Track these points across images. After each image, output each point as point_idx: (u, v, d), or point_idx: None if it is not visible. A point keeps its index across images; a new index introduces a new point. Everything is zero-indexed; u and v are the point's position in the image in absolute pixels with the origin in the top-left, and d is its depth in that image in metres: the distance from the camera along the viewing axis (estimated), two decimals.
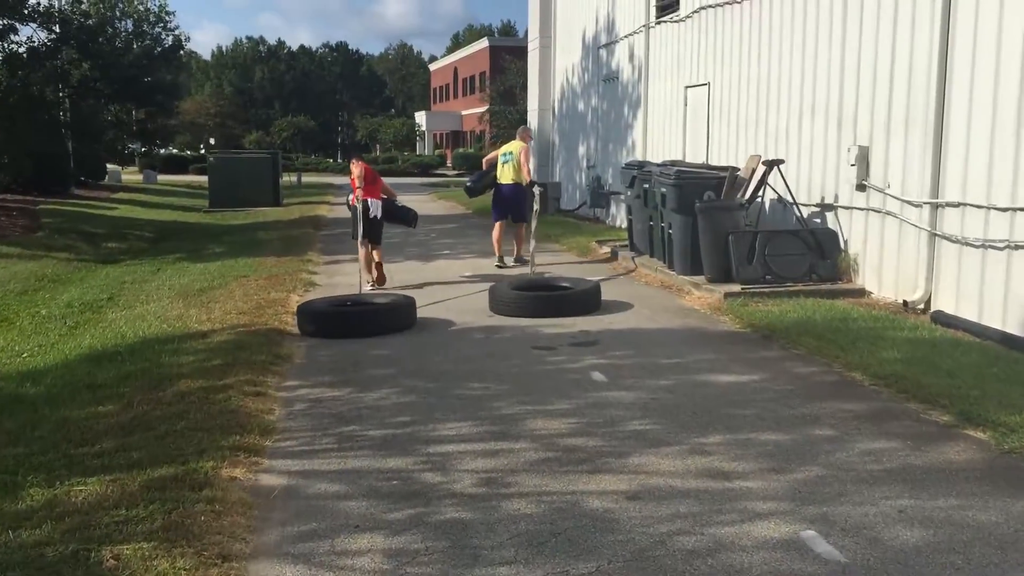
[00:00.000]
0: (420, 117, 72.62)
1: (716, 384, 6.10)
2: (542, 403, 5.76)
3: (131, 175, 43.58)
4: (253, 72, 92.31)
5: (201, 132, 65.00)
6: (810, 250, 9.25)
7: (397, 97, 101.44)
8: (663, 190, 10.09)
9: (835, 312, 7.95)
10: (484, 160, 13.01)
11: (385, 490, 4.38)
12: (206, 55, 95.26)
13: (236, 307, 9.44)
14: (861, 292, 8.92)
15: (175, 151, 62.86)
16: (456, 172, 52.94)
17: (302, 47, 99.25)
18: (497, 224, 12.42)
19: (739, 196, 9.66)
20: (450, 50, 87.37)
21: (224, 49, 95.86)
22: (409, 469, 4.67)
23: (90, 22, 19.53)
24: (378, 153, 64.79)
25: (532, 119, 23.47)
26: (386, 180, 12.02)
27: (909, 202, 8.33)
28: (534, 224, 11.37)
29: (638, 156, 15.71)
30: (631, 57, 16.19)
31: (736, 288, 8.98)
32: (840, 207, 9.45)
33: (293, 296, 10.19)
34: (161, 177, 44.13)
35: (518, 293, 8.90)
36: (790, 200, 9.74)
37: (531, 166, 12.75)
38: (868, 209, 8.96)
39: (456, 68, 70.68)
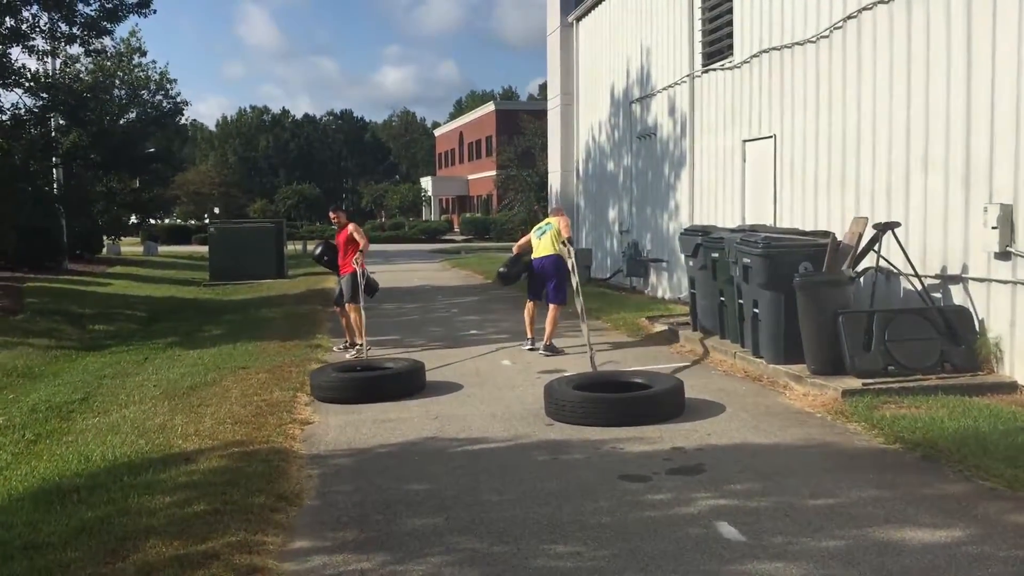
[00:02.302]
0: (426, 182, 71.65)
1: (909, 547, 4.26)
2: None
3: (131, 247, 42.32)
4: (258, 141, 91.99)
5: (205, 202, 63.91)
6: (940, 334, 7.48)
7: (401, 163, 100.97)
8: (746, 260, 8.37)
9: (1003, 419, 6.14)
10: (516, 246, 11.36)
11: None
12: (210, 126, 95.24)
13: (231, 413, 7.69)
14: (1013, 387, 7.12)
15: (179, 221, 61.80)
16: (464, 237, 51.51)
17: (306, 115, 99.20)
18: (529, 303, 10.72)
19: (845, 267, 7.94)
20: (453, 115, 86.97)
21: (229, 119, 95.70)
22: None
23: (79, 87, 18.12)
24: (384, 219, 63.58)
25: (554, 181, 21.97)
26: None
27: None
28: (579, 302, 9.59)
29: (684, 219, 14.07)
30: (672, 110, 14.65)
31: (854, 383, 7.19)
32: (971, 279, 7.71)
33: (300, 396, 8.43)
34: (163, 248, 42.87)
35: (583, 395, 7.10)
36: (911, 271, 7.99)
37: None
38: (1016, 282, 7.21)
39: (462, 133, 69.90)
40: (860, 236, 8.03)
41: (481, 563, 4.30)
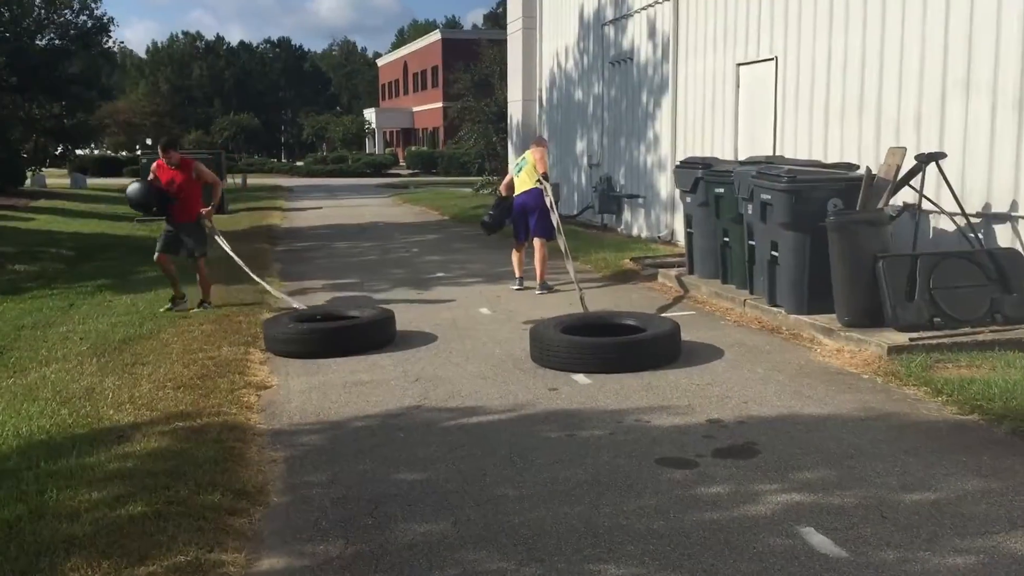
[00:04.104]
0: (369, 114, 69.13)
1: None
2: None
3: (58, 179, 39.85)
4: (191, 69, 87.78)
5: (137, 132, 60.83)
6: (990, 280, 6.60)
7: (342, 94, 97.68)
8: (765, 196, 7.36)
9: None
10: (502, 187, 10.46)
11: None
12: (140, 52, 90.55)
13: (173, 375, 6.53)
14: None
15: (109, 152, 58.77)
16: (410, 171, 49.78)
17: (242, 43, 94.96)
18: (517, 247, 9.87)
19: (881, 204, 6.98)
20: (396, 45, 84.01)
21: (159, 45, 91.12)
22: None
23: None
24: (326, 152, 61.30)
25: (514, 111, 20.69)
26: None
27: None
28: (562, 241, 8.98)
29: (665, 152, 13.04)
30: (652, 32, 13.47)
31: (899, 338, 6.28)
32: (1022, 218, 6.83)
33: (253, 352, 7.27)
34: (92, 180, 40.42)
35: (572, 340, 6.27)
36: (956, 210, 7.07)
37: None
38: None
39: (406, 63, 67.43)
40: (898, 169, 7.07)
41: None
